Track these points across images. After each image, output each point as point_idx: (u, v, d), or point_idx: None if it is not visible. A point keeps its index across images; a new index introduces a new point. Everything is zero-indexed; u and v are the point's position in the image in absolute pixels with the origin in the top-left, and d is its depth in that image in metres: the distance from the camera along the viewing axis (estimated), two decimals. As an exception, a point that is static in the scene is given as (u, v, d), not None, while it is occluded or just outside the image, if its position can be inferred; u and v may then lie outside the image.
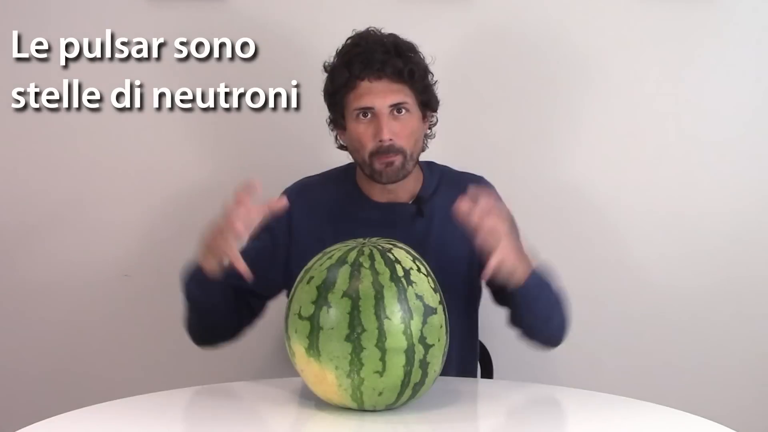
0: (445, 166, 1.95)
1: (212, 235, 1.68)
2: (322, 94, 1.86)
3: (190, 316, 1.82)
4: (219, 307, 1.76)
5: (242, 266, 1.63)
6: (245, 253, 1.69)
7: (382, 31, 1.82)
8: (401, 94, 1.77)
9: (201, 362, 2.30)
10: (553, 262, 2.27)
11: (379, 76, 1.76)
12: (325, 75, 1.85)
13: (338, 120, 1.84)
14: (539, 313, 1.71)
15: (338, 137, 1.90)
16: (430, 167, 1.93)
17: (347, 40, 1.83)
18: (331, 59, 1.84)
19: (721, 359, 2.30)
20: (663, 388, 2.25)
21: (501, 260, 1.59)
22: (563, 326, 1.77)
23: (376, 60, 1.76)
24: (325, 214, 1.86)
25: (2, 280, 2.37)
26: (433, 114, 1.88)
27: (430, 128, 1.90)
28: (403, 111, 1.77)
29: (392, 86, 1.77)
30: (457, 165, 1.97)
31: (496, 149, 2.31)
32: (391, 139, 1.75)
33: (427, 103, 1.84)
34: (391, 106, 1.76)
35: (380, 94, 1.76)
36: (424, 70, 1.83)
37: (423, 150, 1.89)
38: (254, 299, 1.83)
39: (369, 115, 1.77)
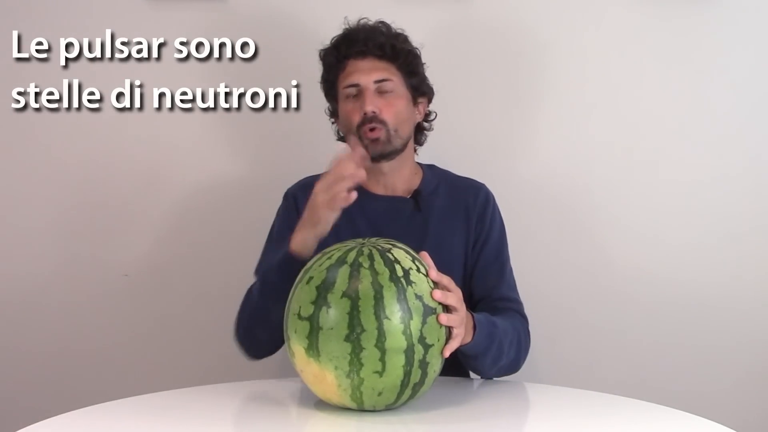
0: (447, 170, 1.96)
1: (327, 189, 1.64)
2: (320, 84, 1.91)
3: (248, 323, 1.76)
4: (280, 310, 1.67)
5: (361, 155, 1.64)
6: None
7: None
8: (386, 72, 1.82)
9: (201, 362, 2.30)
10: (552, 262, 2.29)
11: (364, 53, 1.83)
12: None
13: (334, 107, 1.90)
14: (484, 363, 1.69)
15: (338, 129, 1.94)
16: (431, 169, 1.94)
17: (344, 29, 1.89)
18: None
19: (721, 359, 2.30)
20: (663, 388, 2.24)
21: (457, 342, 1.52)
22: (506, 368, 1.76)
23: (360, 38, 1.83)
24: None
25: (2, 279, 2.37)
26: (425, 101, 1.90)
27: (427, 121, 1.91)
28: (389, 90, 1.81)
29: (377, 64, 1.82)
30: (451, 163, 1.97)
31: (491, 148, 2.31)
32: (374, 111, 1.79)
33: (418, 87, 1.87)
34: (376, 82, 1.81)
35: (365, 71, 1.81)
36: (410, 53, 1.86)
37: (422, 143, 1.90)
38: None
39: (356, 94, 1.82)
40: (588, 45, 2.28)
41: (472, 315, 1.63)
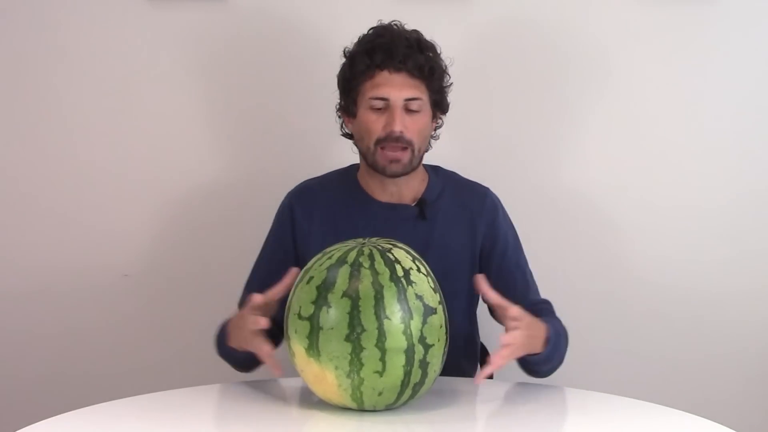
0: (452, 172, 1.94)
1: (239, 327, 1.65)
2: (337, 79, 1.86)
3: (223, 358, 1.83)
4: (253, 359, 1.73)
5: (274, 365, 1.60)
6: (266, 275, 1.75)
7: (405, 26, 1.84)
8: (417, 90, 1.78)
9: (201, 362, 2.30)
10: (552, 262, 2.29)
11: (399, 68, 1.77)
12: (343, 61, 1.85)
13: (349, 107, 1.84)
14: (542, 369, 1.75)
15: (344, 125, 1.90)
16: (436, 171, 1.92)
17: (370, 30, 1.83)
18: (352, 45, 1.84)
19: (721, 359, 2.30)
20: (663, 388, 2.24)
21: (509, 354, 1.58)
22: (556, 367, 1.79)
23: (399, 53, 1.77)
24: (326, 215, 1.86)
25: (2, 279, 2.37)
26: (442, 115, 1.89)
27: (435, 129, 1.90)
28: (416, 108, 1.78)
29: (410, 81, 1.78)
30: (458, 165, 1.97)
31: (496, 149, 2.31)
32: (401, 131, 1.76)
33: (439, 103, 1.85)
34: (406, 100, 1.77)
35: (397, 87, 1.77)
36: (442, 71, 1.84)
37: (426, 150, 1.89)
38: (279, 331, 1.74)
39: (382, 107, 1.78)
40: (592, 47, 2.28)
41: (546, 326, 1.67)
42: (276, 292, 1.60)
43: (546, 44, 2.28)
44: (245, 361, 1.72)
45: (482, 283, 1.60)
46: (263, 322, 1.57)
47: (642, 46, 2.28)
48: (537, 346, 1.65)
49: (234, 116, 2.33)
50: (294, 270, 1.59)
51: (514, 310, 1.59)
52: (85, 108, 2.33)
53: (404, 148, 1.77)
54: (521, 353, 1.62)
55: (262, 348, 1.58)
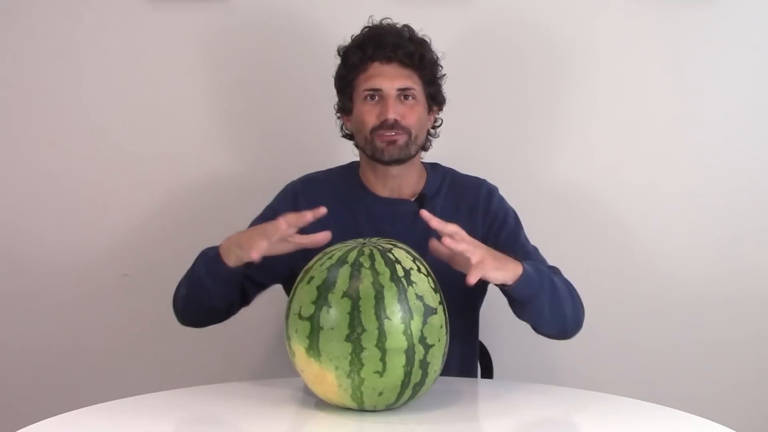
0: (450, 168, 1.95)
1: (251, 235, 1.65)
2: (333, 79, 1.88)
3: (187, 298, 1.80)
4: (220, 295, 1.75)
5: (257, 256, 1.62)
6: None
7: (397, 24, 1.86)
8: (409, 80, 1.80)
9: (201, 362, 2.30)
10: (553, 260, 2.29)
11: (390, 58, 1.80)
12: (338, 61, 1.87)
13: (346, 104, 1.86)
14: (539, 308, 1.68)
15: (344, 126, 1.91)
16: (434, 168, 1.93)
17: (364, 27, 1.86)
18: (345, 44, 1.86)
19: (722, 359, 2.30)
20: (663, 388, 2.25)
21: (480, 270, 1.54)
22: (572, 318, 1.74)
23: (388, 43, 1.80)
24: (328, 207, 1.86)
25: (2, 279, 2.37)
26: (439, 110, 1.90)
27: (434, 128, 1.90)
28: (410, 98, 1.80)
29: (402, 71, 1.80)
30: (456, 163, 1.97)
31: (495, 148, 2.31)
32: (395, 119, 1.77)
33: (434, 96, 1.86)
34: (399, 90, 1.79)
35: (389, 77, 1.79)
36: (434, 63, 1.86)
37: (426, 149, 1.90)
38: (252, 287, 1.81)
39: (376, 98, 1.80)
40: (590, 47, 2.28)
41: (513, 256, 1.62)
42: (303, 237, 1.62)
43: (544, 44, 2.29)
44: (223, 279, 1.70)
45: (425, 212, 1.56)
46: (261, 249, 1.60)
47: (640, 45, 2.28)
48: (508, 267, 1.59)
49: (234, 116, 2.33)
50: (325, 235, 1.61)
51: (451, 227, 1.55)
52: (86, 108, 2.34)
53: (399, 133, 1.78)
54: (490, 266, 1.55)
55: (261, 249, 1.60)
